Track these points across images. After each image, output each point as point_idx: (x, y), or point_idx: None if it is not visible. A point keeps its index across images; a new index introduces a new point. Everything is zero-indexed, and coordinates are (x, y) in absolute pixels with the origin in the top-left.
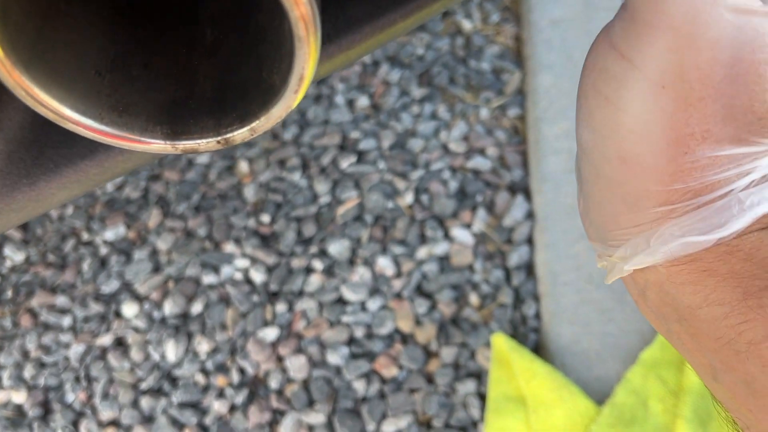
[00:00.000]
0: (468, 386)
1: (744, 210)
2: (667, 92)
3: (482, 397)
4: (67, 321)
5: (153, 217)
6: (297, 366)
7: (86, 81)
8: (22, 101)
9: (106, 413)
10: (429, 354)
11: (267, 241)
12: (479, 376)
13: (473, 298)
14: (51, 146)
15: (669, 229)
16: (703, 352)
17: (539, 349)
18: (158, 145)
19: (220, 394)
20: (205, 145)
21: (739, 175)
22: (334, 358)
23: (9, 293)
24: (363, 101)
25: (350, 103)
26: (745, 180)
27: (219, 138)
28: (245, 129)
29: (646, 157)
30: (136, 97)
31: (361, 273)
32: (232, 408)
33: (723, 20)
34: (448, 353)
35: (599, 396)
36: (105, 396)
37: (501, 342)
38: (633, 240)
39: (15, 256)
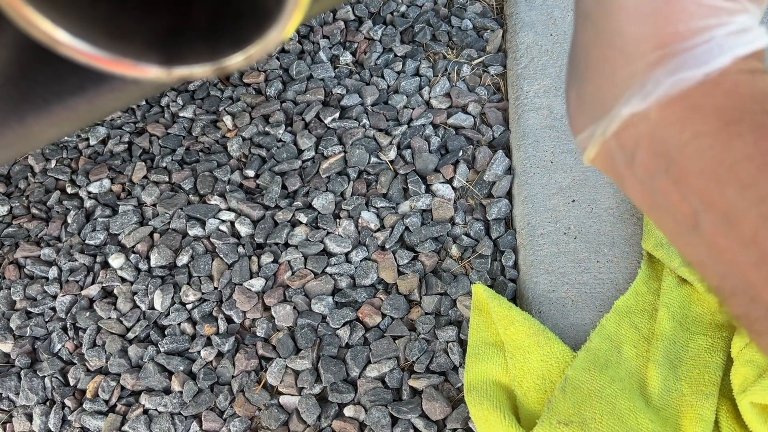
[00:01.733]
0: (449, 333)
1: (724, 51)
2: None
3: (462, 343)
4: (52, 272)
5: (137, 171)
6: (283, 315)
7: (81, 8)
8: (10, 35)
9: (93, 362)
10: (411, 303)
11: (252, 194)
12: (459, 323)
13: (454, 250)
14: (40, 83)
15: (661, 72)
16: (687, 197)
17: (517, 298)
18: (153, 71)
19: (208, 343)
20: (200, 71)
21: (719, 25)
22: (319, 307)
23: None
24: (346, 57)
25: (333, 59)
26: (723, 29)
27: (214, 64)
28: (240, 55)
29: (643, 3)
30: (132, 25)
31: (345, 226)
32: (219, 355)
33: None
34: (429, 302)
35: (575, 342)
36: (92, 345)
37: (480, 291)
38: (629, 92)
39: None
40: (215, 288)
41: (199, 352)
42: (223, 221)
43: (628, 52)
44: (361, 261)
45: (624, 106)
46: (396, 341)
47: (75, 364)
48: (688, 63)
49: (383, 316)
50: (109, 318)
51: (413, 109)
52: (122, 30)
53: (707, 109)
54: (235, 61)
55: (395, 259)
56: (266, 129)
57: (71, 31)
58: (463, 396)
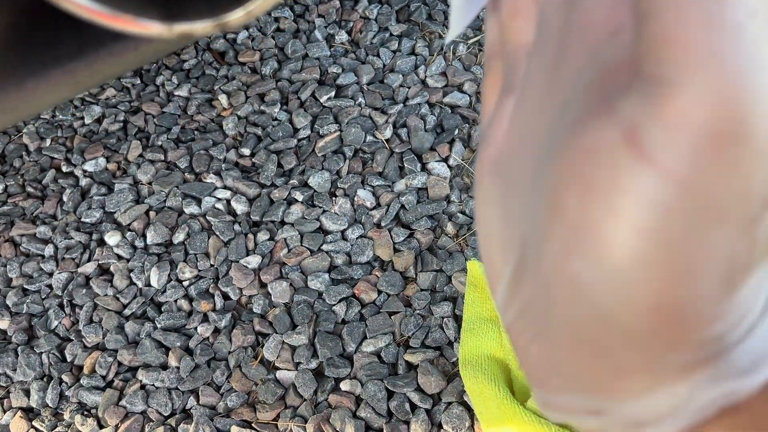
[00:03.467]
0: (444, 309)
1: None
2: (720, 220)
3: (457, 318)
4: (48, 250)
5: (133, 150)
6: (279, 291)
7: None
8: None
9: (90, 338)
10: (407, 279)
11: (248, 172)
12: (455, 299)
13: (449, 227)
14: (38, 47)
15: (705, 377)
16: None
17: None
18: (154, 27)
19: (204, 319)
20: (201, 28)
21: (755, 298)
22: (315, 284)
23: None
24: (342, 36)
25: (329, 38)
26: (760, 302)
27: (215, 20)
28: (241, 11)
29: (686, 306)
30: None
31: (341, 204)
32: (216, 331)
33: None
34: (424, 278)
35: None
36: (89, 321)
37: (476, 267)
38: (649, 400)
39: None
40: (211, 265)
41: (195, 329)
42: (219, 199)
43: (649, 357)
44: (357, 238)
45: (650, 427)
46: (392, 317)
47: (72, 340)
48: (739, 365)
49: (379, 292)
50: (106, 295)
51: (409, 88)
52: None
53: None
54: (236, 16)
55: (391, 236)
56: (262, 108)
57: None
58: (458, 370)
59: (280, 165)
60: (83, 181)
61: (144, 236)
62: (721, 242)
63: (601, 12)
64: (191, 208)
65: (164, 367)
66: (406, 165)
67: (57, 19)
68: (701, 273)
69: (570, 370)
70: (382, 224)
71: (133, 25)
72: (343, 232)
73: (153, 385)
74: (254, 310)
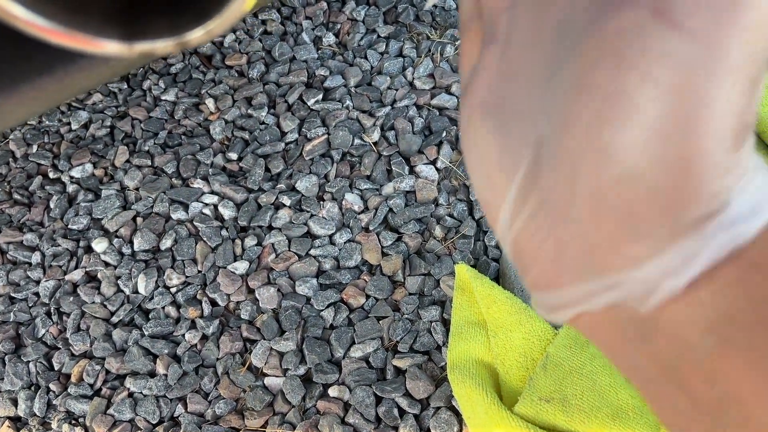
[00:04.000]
0: (432, 313)
1: (755, 212)
2: (741, 71)
3: (446, 323)
4: (35, 258)
5: (120, 155)
6: (267, 297)
7: None
8: None
9: (78, 346)
10: (395, 284)
11: (235, 177)
12: (443, 303)
13: (438, 231)
14: (6, 62)
15: (711, 228)
16: (717, 413)
17: (500, 277)
18: (113, 47)
19: (192, 326)
20: (161, 47)
21: (742, 173)
22: (303, 289)
23: None
24: (329, 38)
25: (317, 41)
26: (747, 175)
27: (176, 39)
28: (201, 30)
29: (708, 152)
30: None
31: (329, 208)
32: (204, 338)
33: None
34: (413, 283)
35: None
36: (77, 329)
37: (463, 271)
38: (665, 256)
39: None
40: (199, 271)
41: (183, 335)
42: (207, 204)
43: (672, 210)
44: (345, 243)
45: (670, 278)
46: (380, 322)
47: (59, 348)
48: (738, 214)
49: (367, 297)
50: (93, 302)
51: (397, 90)
52: (80, 3)
53: (742, 294)
54: (197, 35)
55: (379, 240)
56: (249, 111)
57: (27, 5)
58: (447, 375)
59: (267, 169)
60: (70, 188)
61: (131, 243)
62: (734, 98)
63: None
64: (178, 214)
65: (152, 374)
66: (394, 168)
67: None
68: (719, 126)
69: (588, 250)
70: (370, 228)
71: (89, 44)
72: (331, 236)
73: (141, 392)
74: (242, 316)
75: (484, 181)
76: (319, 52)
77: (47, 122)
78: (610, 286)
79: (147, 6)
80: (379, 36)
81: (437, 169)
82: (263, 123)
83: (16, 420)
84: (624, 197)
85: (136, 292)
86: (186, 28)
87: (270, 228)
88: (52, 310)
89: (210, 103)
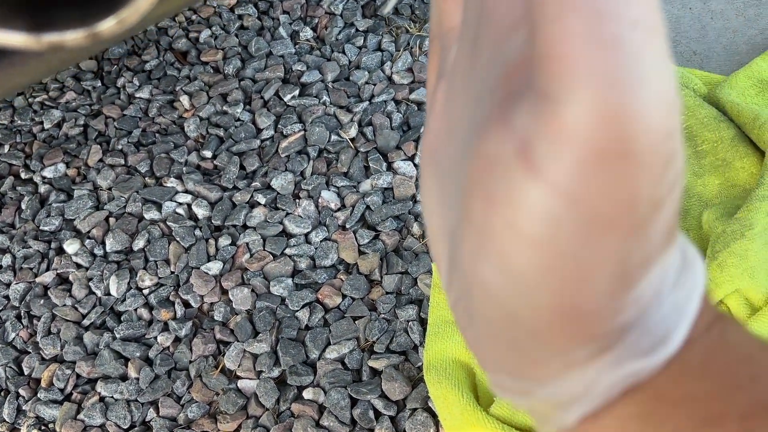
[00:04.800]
0: (409, 312)
1: (680, 314)
2: (611, 228)
3: (423, 322)
4: (6, 260)
5: (93, 154)
6: (241, 298)
7: None
8: None
9: (48, 350)
10: (372, 283)
11: (209, 175)
12: (420, 302)
13: (416, 228)
14: None
15: (610, 360)
16: None
17: None
18: (19, 38)
19: (164, 328)
20: (71, 38)
21: (663, 281)
22: (277, 289)
23: None
24: (307, 33)
25: (294, 35)
26: (667, 284)
27: (87, 30)
28: (113, 20)
29: (583, 305)
30: None
31: (305, 206)
32: (176, 340)
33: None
34: (390, 281)
35: None
36: (47, 333)
37: None
38: (565, 381)
39: None
40: (172, 272)
41: (155, 338)
42: (180, 204)
43: (559, 348)
44: (321, 241)
45: (566, 412)
46: (356, 322)
47: (29, 352)
48: (642, 347)
49: (343, 296)
50: (64, 305)
51: (375, 84)
52: None
53: (676, 399)
54: (109, 25)
55: (356, 238)
56: (224, 108)
57: None
58: (423, 375)
59: (242, 167)
60: (42, 188)
61: (103, 243)
62: (611, 247)
63: (503, 3)
64: (151, 214)
65: (123, 378)
66: (371, 164)
67: None
68: (594, 276)
69: (495, 357)
70: (347, 226)
71: None
72: (306, 235)
73: (112, 397)
74: (215, 317)
75: (431, 231)
76: (297, 46)
77: (19, 121)
78: (522, 391)
79: None
80: (357, 30)
81: (415, 165)
82: (239, 120)
83: None
84: (509, 332)
85: (108, 294)
86: (97, 17)
87: (245, 227)
88: (22, 314)
89: (185, 100)
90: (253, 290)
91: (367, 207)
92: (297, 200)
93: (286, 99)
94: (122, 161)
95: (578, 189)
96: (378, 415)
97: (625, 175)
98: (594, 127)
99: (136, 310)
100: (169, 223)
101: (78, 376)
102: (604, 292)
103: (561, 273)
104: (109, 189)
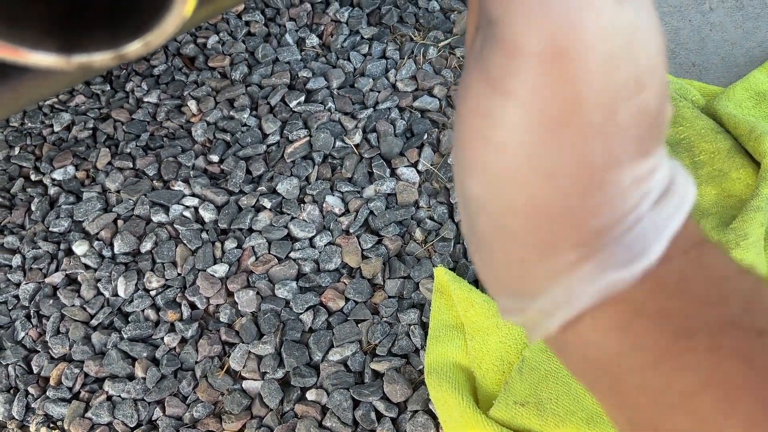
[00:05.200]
0: (411, 316)
1: (658, 232)
2: (565, 126)
3: (424, 326)
4: (16, 260)
5: (102, 157)
6: (246, 300)
7: None
8: None
9: (57, 349)
10: (374, 287)
11: (216, 179)
12: (422, 306)
13: (418, 233)
14: None
15: (589, 270)
16: (625, 409)
17: (478, 281)
18: (50, 59)
19: (171, 329)
20: (100, 59)
21: (643, 196)
22: (282, 292)
23: None
24: (313, 40)
25: (300, 42)
26: (648, 201)
27: (114, 52)
28: (139, 42)
29: (554, 204)
30: (27, 9)
31: (310, 211)
32: (183, 341)
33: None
34: (392, 286)
35: None
36: (56, 332)
37: (442, 274)
38: (551, 290)
39: None
40: (179, 274)
41: (162, 339)
42: (187, 207)
43: (542, 251)
44: (325, 246)
45: (550, 319)
46: (359, 325)
47: (38, 351)
48: (621, 259)
49: (347, 300)
50: (73, 305)
51: (379, 92)
52: (17, 15)
53: (652, 314)
54: (135, 47)
55: (359, 243)
56: (231, 113)
57: None
58: (424, 378)
59: (248, 171)
60: (52, 190)
61: (111, 245)
62: (567, 146)
63: None
64: (159, 216)
65: (130, 377)
66: (375, 170)
67: None
68: (558, 174)
69: (497, 275)
70: (351, 231)
71: (28, 56)
72: (311, 239)
73: (119, 396)
74: (221, 319)
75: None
76: (303, 53)
77: (30, 124)
78: (519, 308)
79: (85, 19)
80: (362, 37)
81: (418, 171)
82: (245, 125)
83: None
84: (500, 240)
85: (116, 295)
86: (124, 40)
87: (250, 230)
88: (31, 313)
89: (192, 105)
90: (258, 293)
91: (371, 212)
92: (302, 205)
93: (291, 105)
94: (130, 164)
95: (529, 94)
96: (380, 416)
97: (565, 76)
98: (534, 38)
99: (143, 311)
100: (176, 226)
101: (86, 375)
102: (571, 192)
103: (529, 174)
104: (118, 192)
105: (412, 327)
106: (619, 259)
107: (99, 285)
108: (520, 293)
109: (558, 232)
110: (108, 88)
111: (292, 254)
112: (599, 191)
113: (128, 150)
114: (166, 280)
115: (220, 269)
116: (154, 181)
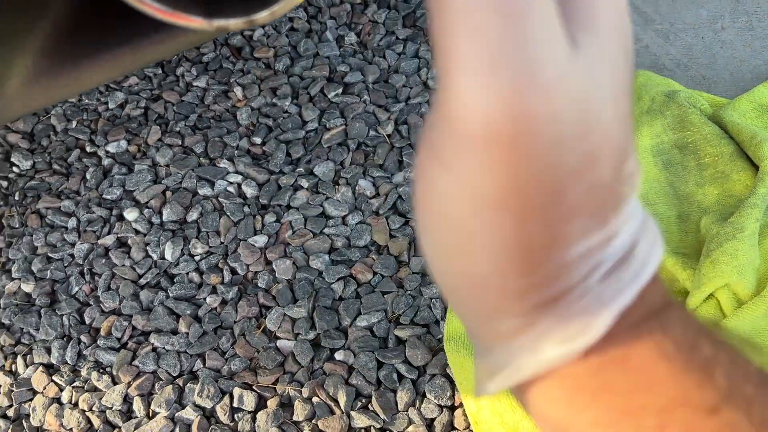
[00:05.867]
0: (433, 291)
1: (604, 306)
2: (503, 209)
3: (444, 300)
4: (72, 223)
5: (153, 134)
6: (283, 268)
7: None
8: None
9: (108, 303)
10: (400, 263)
11: (258, 160)
12: None
13: None
14: (93, 32)
15: (529, 341)
16: None
17: None
18: (199, 22)
19: (213, 291)
20: (234, 23)
21: (593, 268)
22: (316, 263)
23: (17, 196)
24: (351, 38)
25: (339, 39)
26: (598, 272)
27: (246, 18)
28: (267, 11)
29: (492, 278)
30: None
31: (343, 192)
32: (223, 302)
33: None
34: (416, 263)
35: None
36: (107, 289)
37: None
38: (495, 353)
39: (22, 163)
40: (221, 242)
41: (204, 299)
42: (231, 183)
43: (485, 316)
44: (356, 224)
45: (491, 381)
46: (385, 296)
47: (91, 305)
48: (562, 334)
49: (374, 273)
50: (123, 265)
51: (411, 88)
52: None
53: (595, 390)
54: (263, 15)
55: (388, 223)
56: (273, 101)
57: None
58: (443, 346)
59: (288, 154)
60: (105, 161)
61: (160, 213)
62: (509, 228)
63: None
64: (205, 190)
65: (174, 332)
66: (405, 159)
67: (108, 11)
68: (499, 253)
69: (458, 314)
70: (380, 212)
71: (183, 19)
72: (343, 217)
73: (164, 348)
74: (259, 284)
75: None
76: (341, 49)
77: (86, 100)
78: (477, 352)
79: None
80: (397, 38)
81: None
82: (286, 112)
83: (49, 367)
84: (451, 295)
85: (163, 258)
86: (255, 9)
87: (288, 207)
88: (85, 271)
89: (238, 91)
90: (294, 263)
91: (399, 196)
92: (336, 186)
93: (330, 96)
94: (179, 142)
95: (468, 174)
96: (401, 377)
97: (505, 162)
98: (477, 118)
99: (187, 273)
100: (220, 199)
101: (134, 327)
102: (507, 269)
103: (468, 248)
104: (167, 166)
105: (433, 300)
106: (558, 335)
107: (148, 248)
108: (477, 342)
109: (497, 302)
110: (160, 71)
111: (326, 230)
112: (540, 268)
113: (177, 129)
114: (210, 247)
115: (260, 240)
116: (201, 158)
